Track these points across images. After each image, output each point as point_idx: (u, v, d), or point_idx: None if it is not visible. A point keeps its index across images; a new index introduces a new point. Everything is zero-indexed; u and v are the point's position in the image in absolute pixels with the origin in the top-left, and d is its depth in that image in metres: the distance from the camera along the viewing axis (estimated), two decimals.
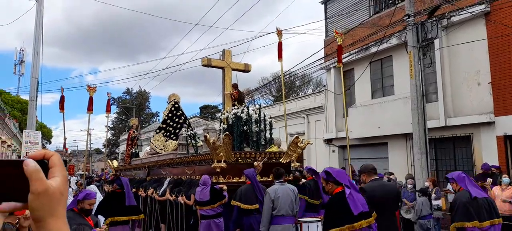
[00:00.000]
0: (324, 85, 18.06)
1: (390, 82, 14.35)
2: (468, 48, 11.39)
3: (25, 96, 32.54)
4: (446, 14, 11.69)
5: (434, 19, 11.23)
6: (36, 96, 10.03)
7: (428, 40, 10.97)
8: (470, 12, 11.03)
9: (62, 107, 12.44)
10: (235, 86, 9.96)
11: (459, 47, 11.59)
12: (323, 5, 17.45)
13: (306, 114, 18.31)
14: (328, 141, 16.73)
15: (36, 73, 10.05)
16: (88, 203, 4.10)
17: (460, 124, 11.52)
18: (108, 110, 14.77)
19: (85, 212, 4.13)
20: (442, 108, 11.88)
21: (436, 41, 11.73)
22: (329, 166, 14.43)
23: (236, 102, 9.58)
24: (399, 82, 13.58)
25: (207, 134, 7.52)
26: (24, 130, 10.34)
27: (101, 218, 6.33)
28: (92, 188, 9.77)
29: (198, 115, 40.18)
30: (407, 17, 10.60)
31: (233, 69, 10.19)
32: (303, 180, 7.93)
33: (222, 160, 7.21)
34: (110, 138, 55.95)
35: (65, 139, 15.18)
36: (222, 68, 10.04)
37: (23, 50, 41.56)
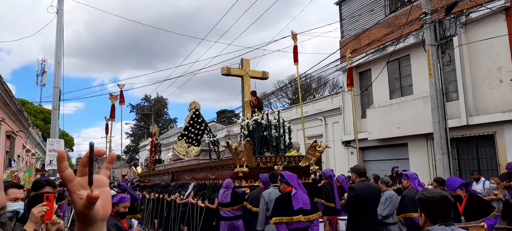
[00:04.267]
0: (341, 87, 17.95)
1: (409, 81, 14.14)
2: (488, 45, 11.13)
3: (47, 106, 33.49)
4: (464, 11, 11.45)
5: (452, 16, 11.02)
6: (59, 106, 10.31)
7: (447, 38, 10.75)
8: (490, 8, 10.79)
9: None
10: (253, 93, 10.18)
11: (479, 44, 11.35)
12: (338, 6, 17.37)
13: (324, 117, 18.20)
14: (347, 143, 16.58)
15: (58, 83, 10.33)
16: (123, 206, 4.32)
17: (482, 122, 11.25)
18: (121, 101, 15.06)
19: (120, 214, 4.36)
20: (463, 107, 11.63)
21: (455, 39, 11.50)
22: (348, 168, 14.33)
23: (255, 108, 9.75)
24: (418, 81, 13.37)
25: (229, 140, 7.76)
26: (47, 139, 10.64)
27: (134, 221, 6.55)
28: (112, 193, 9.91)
29: (216, 120, 40.43)
30: (424, 15, 10.44)
31: (252, 77, 10.39)
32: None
33: (244, 165, 7.50)
34: (130, 144, 56.87)
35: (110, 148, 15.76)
36: (241, 76, 10.24)
37: (44, 61, 42.78)
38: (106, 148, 17.40)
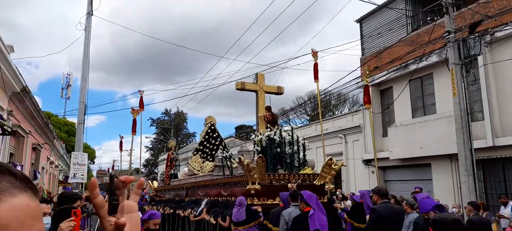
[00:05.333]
0: (361, 104, 17.76)
1: (432, 100, 13.90)
2: None
3: (71, 119, 34.34)
4: (489, 30, 11.26)
5: (477, 35, 10.84)
6: (84, 120, 10.58)
7: (471, 57, 10.56)
8: None
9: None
10: (268, 108, 10.09)
11: (505, 63, 11.09)
12: (359, 23, 17.34)
13: (344, 134, 18.01)
14: (367, 162, 16.32)
15: (84, 98, 10.62)
16: (153, 223, 4.13)
17: (509, 143, 10.91)
18: (141, 106, 15.29)
19: None
20: (489, 128, 11.32)
21: (480, 58, 11.27)
22: (368, 187, 14.08)
23: (269, 124, 9.66)
24: (441, 100, 13.12)
25: (241, 156, 7.65)
26: (72, 152, 10.90)
27: None
28: None
29: (234, 135, 40.54)
30: (447, 33, 10.31)
31: (266, 92, 10.32)
32: (337, 203, 7.88)
33: (256, 182, 7.34)
34: (149, 157, 57.52)
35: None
36: (255, 91, 10.20)
37: (70, 75, 44.03)
38: (129, 161, 17.71)
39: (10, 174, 0.64)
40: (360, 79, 16.33)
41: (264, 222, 6.86)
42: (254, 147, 8.69)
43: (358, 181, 16.68)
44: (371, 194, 6.47)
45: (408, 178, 14.56)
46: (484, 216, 8.70)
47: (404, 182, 14.64)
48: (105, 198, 0.83)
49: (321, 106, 16.49)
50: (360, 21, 17.21)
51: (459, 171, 10.44)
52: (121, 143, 20.79)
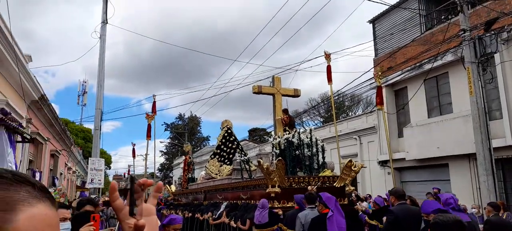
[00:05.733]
0: (375, 105, 17.59)
1: (448, 100, 13.68)
2: None
3: (87, 125, 34.92)
4: (505, 27, 11.05)
5: (493, 32, 10.65)
6: (100, 126, 10.76)
7: (487, 55, 10.37)
8: None
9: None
10: (285, 111, 10.05)
11: None
12: (371, 24, 17.21)
13: (358, 135, 17.86)
14: (383, 163, 16.15)
15: (100, 105, 10.80)
16: (173, 227, 4.07)
17: None
18: (154, 111, 15.38)
19: None
20: (508, 126, 11.09)
21: (496, 55, 11.06)
22: (385, 188, 13.91)
23: (287, 127, 9.64)
24: (458, 99, 12.91)
25: (260, 159, 7.65)
26: (89, 158, 11.08)
27: None
28: None
29: (247, 138, 40.60)
30: (462, 32, 10.16)
31: (283, 95, 10.30)
32: (359, 204, 7.79)
33: (276, 185, 7.32)
34: (164, 162, 58.02)
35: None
36: (272, 94, 10.19)
37: (85, 82, 44.80)
38: (144, 166, 17.91)
39: (28, 184, 0.65)
40: (373, 80, 16.18)
41: (279, 225, 6.82)
42: (273, 150, 8.69)
43: (374, 182, 16.51)
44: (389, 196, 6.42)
45: (425, 179, 14.35)
46: (504, 217, 8.52)
47: (421, 183, 14.44)
48: (123, 202, 0.85)
49: (335, 108, 16.39)
50: (373, 21, 17.08)
51: (477, 171, 10.25)
52: (133, 150, 21.26)
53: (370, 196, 15.01)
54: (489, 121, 10.27)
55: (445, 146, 12.82)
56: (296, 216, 6.44)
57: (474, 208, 9.36)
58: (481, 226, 8.24)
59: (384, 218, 6.58)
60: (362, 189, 16.98)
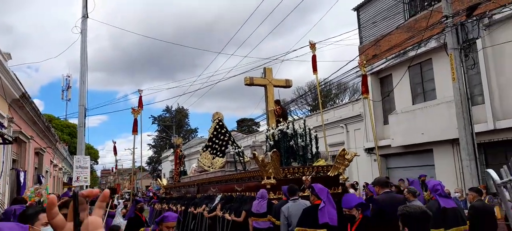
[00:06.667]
0: (361, 94, 17.72)
1: (432, 86, 13.86)
2: None
3: (72, 120, 34.41)
4: (487, 13, 11.18)
5: (474, 18, 10.77)
6: (84, 123, 10.59)
7: (470, 41, 10.50)
8: None
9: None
10: (278, 102, 10.04)
11: (504, 46, 11.03)
12: (356, 12, 17.24)
13: (345, 124, 18.00)
14: (369, 150, 16.33)
15: (83, 101, 10.62)
16: (166, 225, 4.03)
17: (510, 126, 10.89)
18: (140, 105, 15.19)
19: None
20: (489, 111, 11.30)
21: (478, 41, 11.21)
22: (372, 176, 14.10)
23: (280, 118, 9.63)
24: (441, 85, 13.08)
25: (255, 151, 7.68)
26: (74, 156, 10.94)
27: None
28: (118, 221, 9.55)
29: (236, 129, 40.58)
30: (445, 18, 10.25)
31: (275, 86, 10.27)
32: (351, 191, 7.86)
33: (272, 177, 7.38)
34: (152, 155, 57.68)
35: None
36: (264, 85, 10.16)
37: (69, 77, 44.02)
38: (132, 160, 17.81)
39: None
40: (359, 68, 16.27)
41: (268, 217, 6.86)
42: (267, 141, 8.68)
43: (361, 170, 16.71)
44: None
45: (410, 165, 14.58)
46: (486, 200, 8.72)
47: (407, 169, 14.67)
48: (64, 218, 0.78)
49: (321, 96, 16.43)
50: (357, 9, 17.10)
51: (461, 156, 10.44)
52: (115, 148, 21.23)
53: (357, 183, 15.19)
54: (472, 106, 10.45)
55: (429, 132, 13.02)
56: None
57: (457, 192, 9.56)
58: (465, 211, 8.43)
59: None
60: (349, 177, 17.16)
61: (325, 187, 5.16)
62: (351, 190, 12.63)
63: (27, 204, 4.84)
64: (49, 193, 10.41)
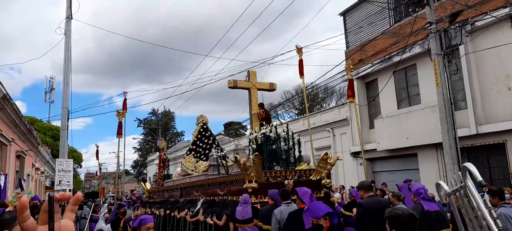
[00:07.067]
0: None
1: (416, 91, 14.07)
2: (495, 53, 11.06)
3: (56, 123, 33.77)
4: (469, 20, 11.42)
5: (457, 25, 10.98)
6: (67, 126, 10.39)
7: (453, 47, 10.68)
8: (494, 16, 10.74)
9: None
10: (261, 105, 10.02)
11: (485, 52, 11.27)
12: (342, 17, 17.41)
13: (331, 128, 18.12)
14: (355, 154, 16.47)
15: (67, 104, 10.42)
16: (145, 228, 3.97)
17: (492, 131, 11.12)
18: (124, 108, 15.05)
19: None
20: (472, 116, 11.52)
21: (461, 48, 11.43)
22: (358, 179, 14.19)
23: (263, 121, 9.61)
24: (425, 90, 13.29)
25: (237, 155, 7.61)
26: (57, 159, 10.70)
27: None
28: (100, 226, 9.51)
29: (223, 132, 40.44)
30: (429, 25, 10.42)
31: (259, 89, 10.26)
32: (334, 197, 7.89)
33: (253, 180, 7.31)
34: (138, 159, 57.00)
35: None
36: (248, 89, 10.14)
37: (53, 78, 43.28)
38: (117, 163, 17.63)
39: None
40: (345, 73, 16.41)
41: (254, 221, 6.79)
42: (250, 145, 8.64)
43: (347, 173, 16.83)
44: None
45: (395, 169, 14.75)
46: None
47: (392, 173, 14.83)
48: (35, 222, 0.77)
49: (308, 100, 16.49)
50: (344, 14, 17.27)
51: (444, 160, 10.60)
52: (97, 152, 21.11)
53: (343, 187, 15.29)
54: (455, 111, 10.62)
55: (414, 136, 13.20)
56: (271, 212, 6.45)
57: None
58: (448, 214, 8.53)
59: (354, 210, 6.70)
60: (336, 180, 17.28)
61: (308, 189, 5.16)
62: (337, 194, 12.69)
63: (6, 210, 4.71)
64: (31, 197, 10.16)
